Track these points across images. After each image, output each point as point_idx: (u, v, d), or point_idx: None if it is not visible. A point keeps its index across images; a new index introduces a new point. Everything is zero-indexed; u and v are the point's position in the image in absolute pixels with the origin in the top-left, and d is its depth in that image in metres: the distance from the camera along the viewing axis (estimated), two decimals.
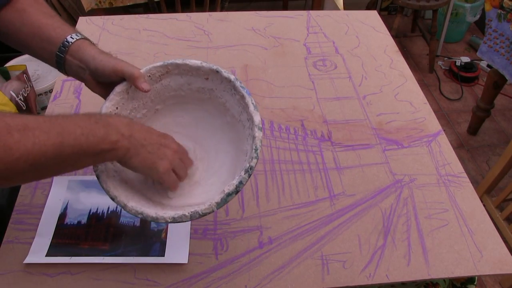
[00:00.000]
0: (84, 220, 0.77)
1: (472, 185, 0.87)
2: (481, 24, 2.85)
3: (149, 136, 0.59)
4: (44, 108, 1.83)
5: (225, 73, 0.66)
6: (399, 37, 2.58)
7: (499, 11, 1.69)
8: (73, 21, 2.19)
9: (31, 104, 1.67)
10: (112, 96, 0.64)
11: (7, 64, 1.80)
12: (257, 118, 0.62)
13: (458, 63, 2.54)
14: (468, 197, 0.84)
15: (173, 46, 1.15)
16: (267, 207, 0.81)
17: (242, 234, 0.76)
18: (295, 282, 0.70)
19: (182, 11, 1.87)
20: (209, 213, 0.58)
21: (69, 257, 0.71)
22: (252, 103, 0.63)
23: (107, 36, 1.17)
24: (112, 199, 0.59)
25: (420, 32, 2.65)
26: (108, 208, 0.78)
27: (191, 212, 0.57)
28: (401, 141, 0.94)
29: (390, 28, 1.70)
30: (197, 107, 0.71)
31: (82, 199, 0.79)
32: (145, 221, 0.77)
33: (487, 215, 0.81)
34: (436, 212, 0.81)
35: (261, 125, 0.61)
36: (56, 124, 0.50)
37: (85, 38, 0.67)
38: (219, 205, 0.57)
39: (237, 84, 0.65)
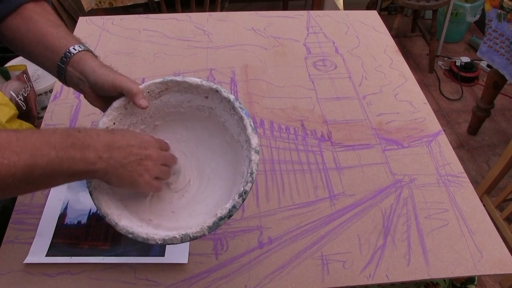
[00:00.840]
0: (84, 220, 0.77)
1: (472, 185, 0.87)
2: (481, 24, 2.85)
3: (129, 152, 0.57)
4: (44, 108, 1.83)
5: (225, 92, 0.65)
6: (399, 37, 2.58)
7: (499, 11, 1.69)
8: (73, 21, 2.19)
9: (31, 104, 1.67)
10: (109, 111, 0.64)
11: (7, 64, 1.80)
12: (254, 141, 0.61)
13: (458, 63, 2.54)
14: (468, 197, 0.84)
15: (173, 46, 1.15)
16: (267, 207, 0.81)
17: (242, 234, 0.76)
18: (295, 282, 0.70)
19: (182, 11, 1.87)
20: (200, 236, 0.57)
21: (69, 257, 0.71)
22: (251, 125, 0.62)
23: (107, 36, 1.17)
24: (104, 217, 0.59)
25: (420, 32, 2.65)
26: None
27: (182, 235, 0.57)
28: (401, 141, 0.94)
29: (390, 28, 1.69)
30: (197, 125, 0.71)
31: (82, 199, 0.79)
32: None
33: (487, 215, 0.81)
34: (436, 212, 0.81)
35: (258, 148, 0.60)
36: (29, 144, 0.48)
37: (88, 50, 0.67)
38: (211, 229, 0.57)
39: (236, 105, 0.64)
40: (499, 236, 0.78)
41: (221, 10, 2.00)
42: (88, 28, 1.20)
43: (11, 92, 1.53)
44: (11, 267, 0.70)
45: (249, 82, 1.06)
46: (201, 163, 0.71)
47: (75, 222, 0.76)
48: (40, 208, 0.78)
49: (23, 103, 1.60)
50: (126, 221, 0.59)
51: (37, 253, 0.71)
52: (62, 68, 0.65)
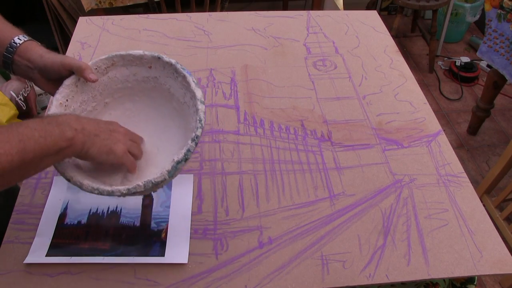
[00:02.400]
0: (84, 220, 0.77)
1: (472, 185, 0.87)
2: (481, 24, 2.85)
3: (98, 126, 0.63)
4: (44, 108, 1.83)
5: (166, 58, 0.70)
6: (399, 37, 2.58)
7: (499, 11, 1.69)
8: (73, 21, 2.19)
9: (31, 104, 1.67)
10: (61, 89, 0.68)
11: None
12: (198, 93, 0.66)
13: (458, 63, 2.54)
14: (468, 197, 0.84)
15: (173, 46, 1.15)
16: (267, 207, 0.81)
17: (242, 234, 0.76)
18: (295, 282, 0.70)
19: (182, 11, 1.87)
20: (162, 181, 0.61)
21: (69, 257, 0.71)
22: (193, 81, 0.67)
23: (107, 36, 1.17)
24: (68, 180, 0.63)
25: (420, 32, 2.65)
26: (108, 208, 0.78)
27: (144, 182, 0.60)
28: (401, 141, 0.94)
29: (390, 28, 1.69)
30: (144, 98, 0.76)
31: (82, 199, 0.79)
32: (145, 221, 0.77)
33: (487, 215, 0.82)
34: (436, 212, 0.81)
35: (203, 99, 0.66)
36: (14, 132, 0.52)
37: (32, 40, 0.70)
38: (170, 173, 0.61)
39: (178, 67, 0.69)
40: (499, 236, 0.78)
41: (221, 10, 2.00)
42: (88, 28, 1.20)
43: (11, 92, 1.53)
44: (11, 267, 0.70)
45: (249, 82, 1.06)
46: (152, 135, 0.75)
47: (75, 222, 0.76)
48: (40, 208, 0.78)
49: (23, 103, 1.60)
50: (90, 181, 0.63)
51: (37, 253, 0.71)
52: (9, 58, 0.67)
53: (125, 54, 0.71)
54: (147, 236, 0.75)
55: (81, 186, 0.62)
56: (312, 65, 1.12)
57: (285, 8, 2.85)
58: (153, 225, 0.76)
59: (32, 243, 0.73)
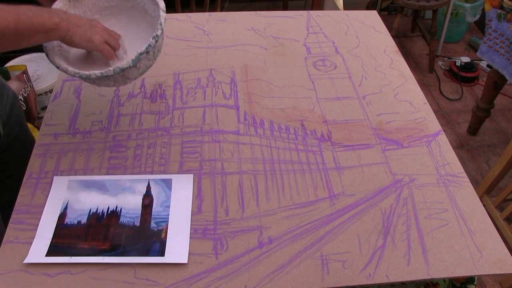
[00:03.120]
0: (84, 220, 0.77)
1: (472, 185, 0.87)
2: (481, 24, 2.85)
3: (80, 20, 0.76)
4: (44, 108, 1.83)
5: None
6: (399, 37, 2.58)
7: (499, 11, 1.69)
8: None
9: (31, 104, 1.67)
10: (57, 2, 0.81)
11: (7, 64, 1.80)
12: (161, 4, 0.80)
13: (458, 63, 2.54)
14: (468, 197, 0.84)
15: (173, 46, 1.15)
16: (267, 207, 0.81)
17: (242, 234, 0.76)
18: (295, 282, 0.70)
19: (182, 11, 1.87)
20: (128, 68, 0.75)
21: (69, 257, 0.71)
22: None
23: None
24: (57, 67, 0.77)
25: (420, 32, 2.65)
26: (108, 208, 0.78)
27: (114, 67, 0.74)
28: (401, 141, 0.94)
29: (390, 28, 1.70)
30: (125, 15, 0.90)
31: (82, 199, 0.79)
32: (145, 221, 0.77)
33: (487, 215, 0.82)
34: (436, 212, 0.81)
35: (164, 9, 0.80)
36: (10, 7, 0.63)
37: None
38: (134, 61, 0.75)
39: None
40: (499, 236, 0.78)
41: (221, 10, 2.00)
42: None
43: None
44: (11, 267, 0.70)
45: (249, 82, 1.06)
46: (130, 45, 0.85)
47: (75, 222, 0.76)
48: (40, 208, 0.78)
49: (23, 103, 1.60)
50: (73, 68, 0.76)
51: (37, 253, 0.71)
52: None
53: None
54: (147, 236, 0.75)
55: (66, 71, 0.76)
56: (312, 65, 1.12)
57: (285, 8, 2.85)
58: (153, 225, 0.76)
59: (32, 243, 0.73)
